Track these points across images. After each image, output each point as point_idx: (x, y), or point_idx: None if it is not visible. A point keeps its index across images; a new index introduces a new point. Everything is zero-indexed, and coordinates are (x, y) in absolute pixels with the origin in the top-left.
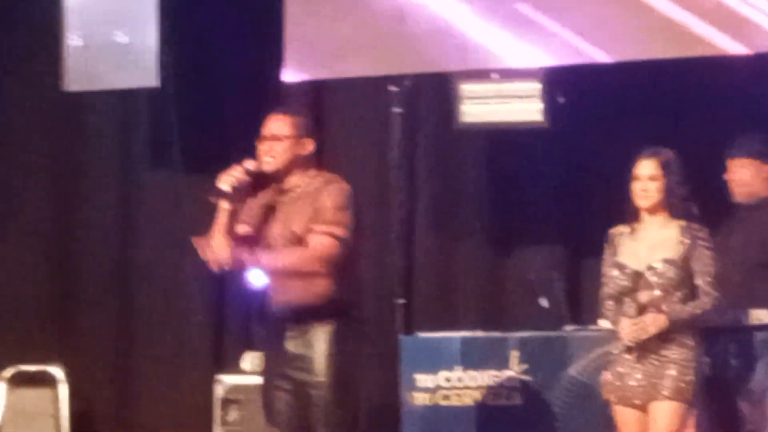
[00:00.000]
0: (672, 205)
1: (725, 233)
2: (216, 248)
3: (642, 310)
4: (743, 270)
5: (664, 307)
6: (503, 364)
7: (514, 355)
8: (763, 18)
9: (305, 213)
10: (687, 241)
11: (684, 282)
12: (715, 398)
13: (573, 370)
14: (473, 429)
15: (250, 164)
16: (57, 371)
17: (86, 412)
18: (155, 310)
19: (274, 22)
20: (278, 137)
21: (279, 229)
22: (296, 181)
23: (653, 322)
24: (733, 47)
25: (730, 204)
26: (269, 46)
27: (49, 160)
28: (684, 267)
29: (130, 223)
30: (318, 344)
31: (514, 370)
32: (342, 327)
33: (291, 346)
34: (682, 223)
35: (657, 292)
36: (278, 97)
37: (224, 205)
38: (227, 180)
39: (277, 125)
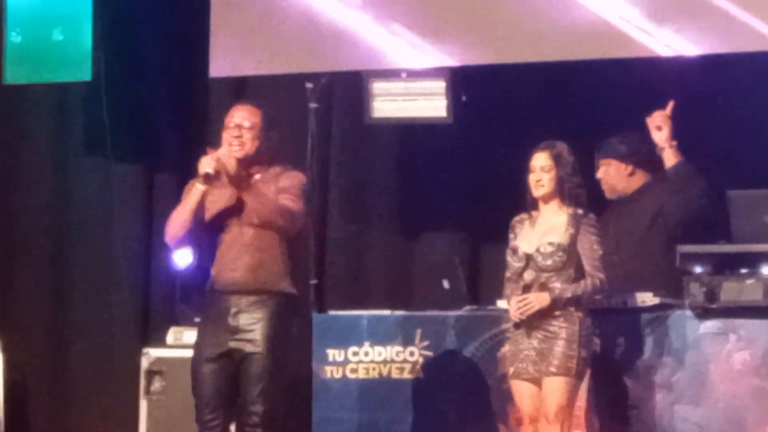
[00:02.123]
0: (563, 194)
1: (604, 224)
2: (179, 222)
3: (527, 288)
4: (620, 258)
5: (550, 286)
6: (407, 340)
7: (418, 333)
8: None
9: (271, 195)
10: (574, 226)
11: (571, 264)
12: (603, 375)
13: (470, 348)
14: (379, 399)
15: (222, 150)
16: None
17: (20, 382)
18: (88, 290)
19: (201, 20)
20: (245, 127)
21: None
22: (257, 169)
23: (537, 300)
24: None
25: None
26: (196, 44)
27: None
28: (571, 250)
29: (64, 206)
30: (264, 319)
31: (417, 346)
32: (285, 304)
33: (235, 319)
34: (571, 210)
35: (543, 273)
36: (204, 93)
37: (200, 187)
38: (209, 163)
39: (244, 115)
